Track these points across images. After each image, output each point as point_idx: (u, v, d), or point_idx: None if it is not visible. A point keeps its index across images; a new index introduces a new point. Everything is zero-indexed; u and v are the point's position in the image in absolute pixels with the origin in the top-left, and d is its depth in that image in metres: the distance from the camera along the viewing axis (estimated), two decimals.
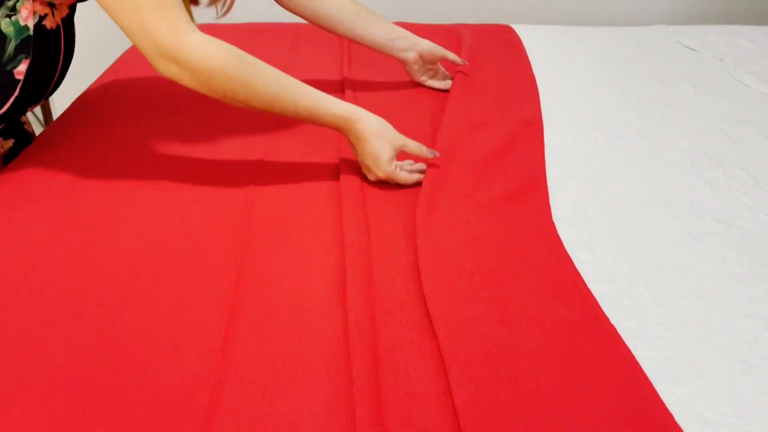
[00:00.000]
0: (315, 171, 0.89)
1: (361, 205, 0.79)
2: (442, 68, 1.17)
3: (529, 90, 1.15)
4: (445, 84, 1.17)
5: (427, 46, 1.10)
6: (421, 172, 0.85)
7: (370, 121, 0.80)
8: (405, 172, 0.83)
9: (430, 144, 0.91)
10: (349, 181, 0.83)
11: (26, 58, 0.79)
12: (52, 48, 0.84)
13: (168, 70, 0.70)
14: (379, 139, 0.79)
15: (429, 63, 1.14)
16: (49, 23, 0.81)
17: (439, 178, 0.83)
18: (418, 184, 0.83)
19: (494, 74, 1.20)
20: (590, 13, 1.85)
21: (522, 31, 1.47)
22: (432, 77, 1.16)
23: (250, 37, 1.39)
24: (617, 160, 0.94)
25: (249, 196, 0.82)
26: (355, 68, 1.25)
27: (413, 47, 1.09)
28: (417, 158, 0.86)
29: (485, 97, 1.11)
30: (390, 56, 1.11)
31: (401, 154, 0.84)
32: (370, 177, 0.83)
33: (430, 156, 0.83)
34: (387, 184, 0.84)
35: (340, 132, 0.82)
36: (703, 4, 1.89)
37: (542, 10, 1.83)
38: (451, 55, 1.13)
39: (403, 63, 1.12)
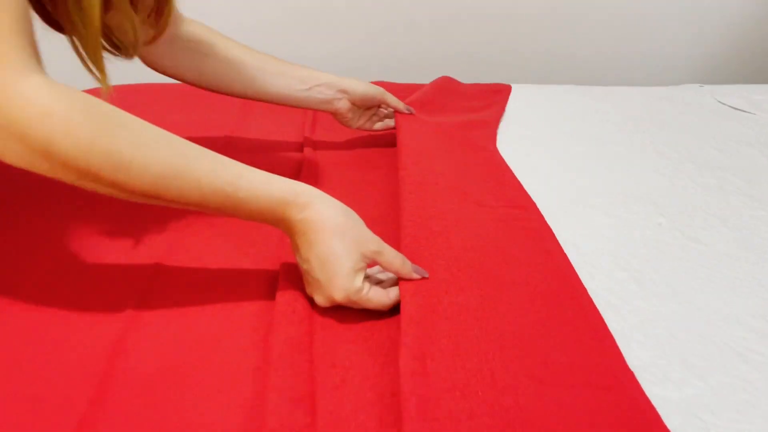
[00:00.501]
0: (239, 283, 0.56)
1: (303, 350, 0.47)
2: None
3: (494, 161, 0.85)
4: (387, 123, 0.92)
5: (360, 92, 0.84)
6: (397, 284, 0.53)
7: (326, 208, 0.50)
8: (378, 291, 0.51)
9: (396, 239, 0.59)
10: (288, 301, 0.52)
11: None
12: None
13: None
14: (339, 237, 0.49)
15: (365, 108, 0.89)
16: None
17: (426, 296, 0.51)
18: (396, 303, 0.52)
19: (461, 140, 0.90)
20: (598, 74, 1.61)
21: (524, 90, 1.20)
22: (370, 119, 0.91)
23: (197, 97, 1.11)
24: (700, 259, 0.63)
25: (122, 331, 0.49)
26: (320, 131, 0.97)
27: (341, 96, 0.83)
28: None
29: (447, 173, 0.78)
30: (314, 109, 0.85)
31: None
32: (319, 299, 0.51)
33: (416, 276, 0.52)
34: (347, 309, 0.52)
35: (277, 226, 0.51)
36: (730, 62, 1.66)
37: (542, 69, 1.59)
38: (393, 99, 0.89)
39: (332, 114, 0.86)
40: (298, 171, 0.80)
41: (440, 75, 1.30)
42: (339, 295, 0.49)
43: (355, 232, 0.50)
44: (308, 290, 0.52)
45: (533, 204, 0.71)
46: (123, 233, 0.63)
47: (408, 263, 0.52)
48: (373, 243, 0.51)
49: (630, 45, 1.61)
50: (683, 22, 1.60)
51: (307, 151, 0.86)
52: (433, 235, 0.59)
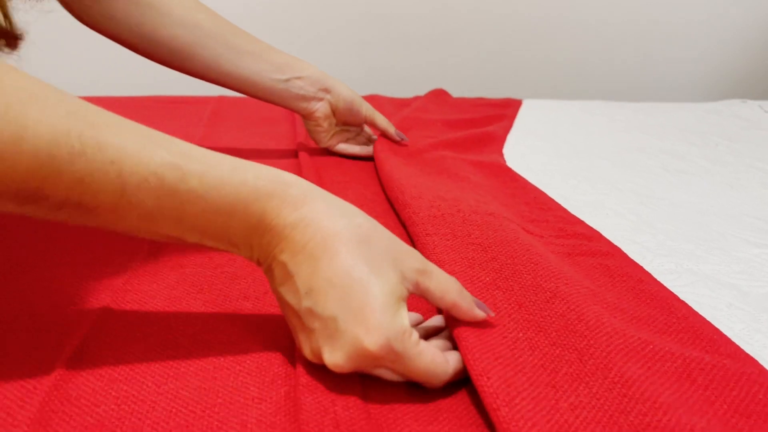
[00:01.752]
0: (220, 336, 0.33)
1: None
2: (367, 128, 0.73)
3: (514, 179, 0.64)
4: (367, 149, 0.70)
5: (345, 98, 0.65)
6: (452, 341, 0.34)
7: (333, 207, 0.31)
8: (431, 347, 0.30)
9: None
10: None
11: None
12: None
13: None
14: (364, 248, 0.30)
15: (344, 123, 0.69)
16: None
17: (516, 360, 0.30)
18: (459, 377, 0.32)
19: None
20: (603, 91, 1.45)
21: (548, 105, 1.01)
22: (347, 140, 0.70)
23: (161, 110, 0.88)
24: None
25: (47, 394, 0.27)
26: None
27: (322, 95, 0.64)
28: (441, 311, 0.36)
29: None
30: (286, 107, 0.64)
31: None
32: (334, 357, 0.29)
33: (480, 315, 0.32)
34: (369, 378, 0.31)
35: (246, 244, 0.31)
36: (745, 79, 1.53)
37: (550, 86, 1.42)
38: (383, 121, 0.69)
39: (304, 117, 0.66)
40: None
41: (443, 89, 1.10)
42: (374, 339, 0.28)
43: (385, 240, 0.31)
44: (308, 345, 0.30)
45: (597, 233, 0.50)
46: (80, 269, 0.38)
47: (467, 293, 0.32)
48: (414, 257, 0.32)
49: (636, 62, 1.47)
50: (698, 38, 1.47)
51: (303, 157, 0.64)
52: (486, 288, 0.37)
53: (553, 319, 0.34)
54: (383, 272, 0.29)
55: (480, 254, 0.41)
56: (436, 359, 0.30)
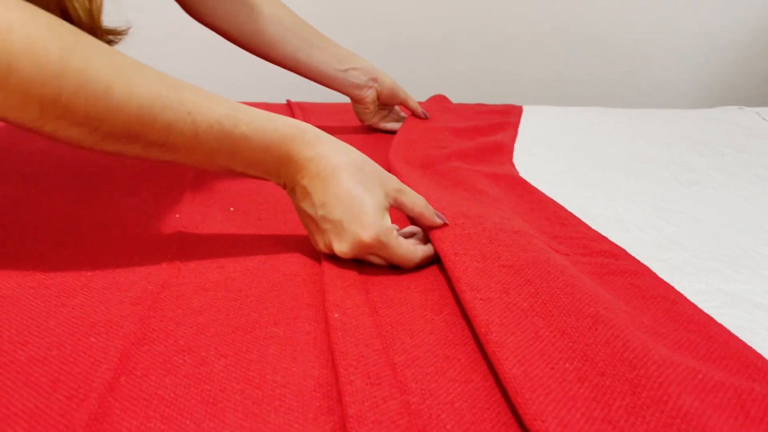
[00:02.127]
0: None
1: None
2: (397, 107, 0.90)
3: (529, 191, 0.63)
4: (399, 125, 0.87)
5: (388, 85, 0.82)
6: (421, 240, 0.48)
7: (336, 145, 0.44)
8: (405, 241, 0.44)
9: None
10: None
11: None
12: None
13: None
14: (359, 173, 0.42)
15: (385, 104, 0.86)
16: None
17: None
18: (425, 262, 0.46)
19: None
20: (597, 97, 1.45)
21: (546, 111, 1.01)
22: (384, 118, 0.88)
23: None
24: None
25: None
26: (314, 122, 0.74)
27: (371, 83, 0.80)
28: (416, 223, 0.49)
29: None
30: (341, 92, 0.80)
31: None
32: (340, 246, 0.42)
33: (439, 222, 0.47)
34: (364, 265, 0.45)
35: (277, 173, 0.43)
36: (737, 85, 1.54)
37: (546, 92, 1.42)
38: (413, 102, 0.86)
39: (355, 101, 0.83)
40: None
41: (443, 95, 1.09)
42: (368, 233, 0.41)
43: (373, 169, 0.44)
44: (322, 241, 0.43)
45: (623, 250, 0.49)
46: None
47: (431, 207, 0.46)
48: (394, 180, 0.45)
49: (628, 69, 1.47)
50: (692, 45, 1.48)
51: None
52: (525, 314, 0.36)
53: (599, 346, 0.33)
54: (373, 190, 0.42)
55: (513, 278, 0.40)
56: (409, 248, 0.44)
